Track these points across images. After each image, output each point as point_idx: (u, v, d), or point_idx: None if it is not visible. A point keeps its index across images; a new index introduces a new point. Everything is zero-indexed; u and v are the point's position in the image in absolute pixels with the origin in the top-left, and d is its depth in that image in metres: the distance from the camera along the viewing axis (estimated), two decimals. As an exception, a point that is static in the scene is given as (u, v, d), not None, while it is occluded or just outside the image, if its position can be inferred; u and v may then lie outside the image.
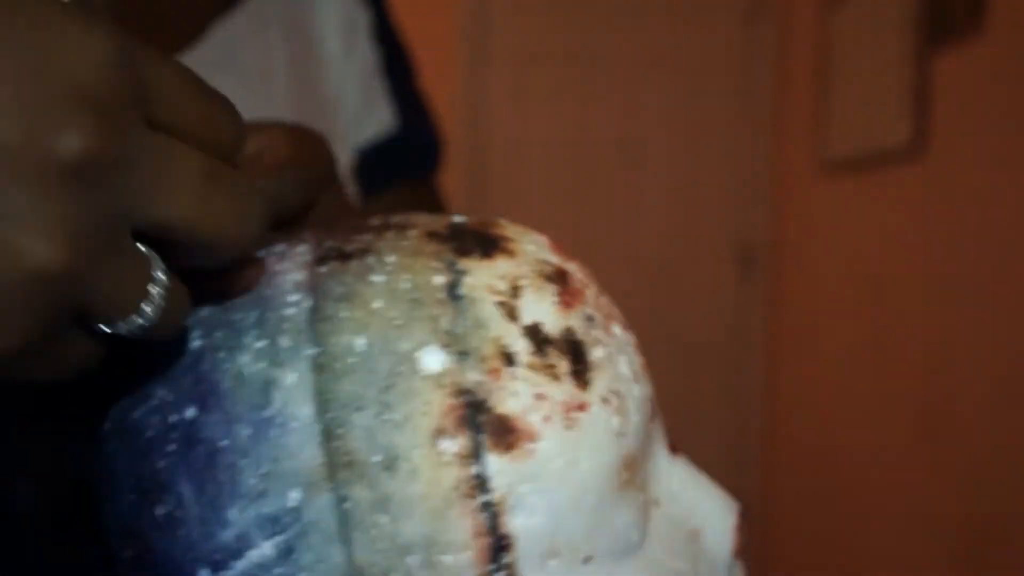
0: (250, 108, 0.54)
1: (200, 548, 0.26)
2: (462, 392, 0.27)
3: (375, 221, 0.32)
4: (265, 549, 0.26)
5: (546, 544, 0.28)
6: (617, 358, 0.30)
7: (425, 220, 0.31)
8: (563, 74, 2.85)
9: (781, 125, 2.80)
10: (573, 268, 0.32)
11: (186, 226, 0.23)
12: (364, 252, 0.29)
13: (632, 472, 0.30)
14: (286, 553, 0.26)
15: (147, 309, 0.23)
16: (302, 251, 0.30)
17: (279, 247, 0.31)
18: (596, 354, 0.30)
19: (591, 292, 0.31)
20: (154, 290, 0.23)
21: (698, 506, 0.34)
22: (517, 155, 2.86)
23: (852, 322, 2.33)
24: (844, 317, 2.37)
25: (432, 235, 0.30)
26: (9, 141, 0.20)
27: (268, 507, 0.26)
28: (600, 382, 0.29)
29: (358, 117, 0.61)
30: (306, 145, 0.36)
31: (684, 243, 2.87)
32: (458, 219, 0.32)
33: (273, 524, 0.26)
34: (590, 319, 0.30)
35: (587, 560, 0.29)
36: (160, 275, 0.23)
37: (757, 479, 2.81)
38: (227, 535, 0.26)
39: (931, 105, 1.97)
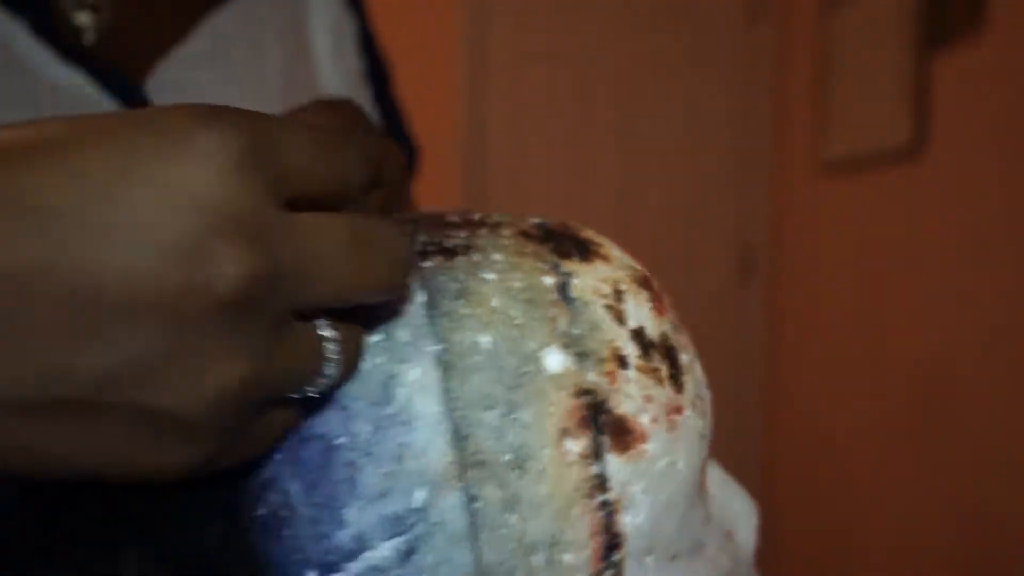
0: (239, 102, 0.54)
1: (309, 549, 0.25)
2: (583, 393, 0.28)
3: (452, 217, 0.31)
4: (384, 551, 0.25)
5: (646, 542, 0.29)
6: (695, 363, 0.31)
7: (508, 219, 0.32)
8: (563, 74, 2.85)
9: (781, 125, 2.80)
10: (654, 280, 0.33)
11: (345, 294, 0.23)
12: (467, 249, 0.29)
13: (704, 474, 0.31)
14: (406, 555, 0.26)
15: (328, 368, 0.24)
16: None
17: None
18: (684, 359, 0.31)
19: (668, 301, 0.32)
20: (329, 348, 0.24)
21: (730, 506, 0.35)
22: (517, 155, 2.86)
23: (852, 322, 2.33)
24: (844, 317, 2.37)
25: (526, 235, 0.30)
26: (168, 290, 0.20)
27: (391, 507, 0.26)
28: (690, 386, 0.30)
29: None
30: (361, 118, 0.36)
31: (684, 243, 2.87)
32: (537, 220, 0.32)
33: (395, 525, 0.25)
34: (675, 325, 0.31)
35: (674, 558, 0.30)
36: (329, 332, 0.24)
37: (757, 478, 2.81)
38: (343, 536, 0.25)
39: (931, 106, 1.97)
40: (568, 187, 2.86)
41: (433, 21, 2.73)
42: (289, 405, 0.24)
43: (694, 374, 0.31)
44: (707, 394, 0.32)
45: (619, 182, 2.87)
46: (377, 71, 0.64)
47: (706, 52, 2.86)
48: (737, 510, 0.35)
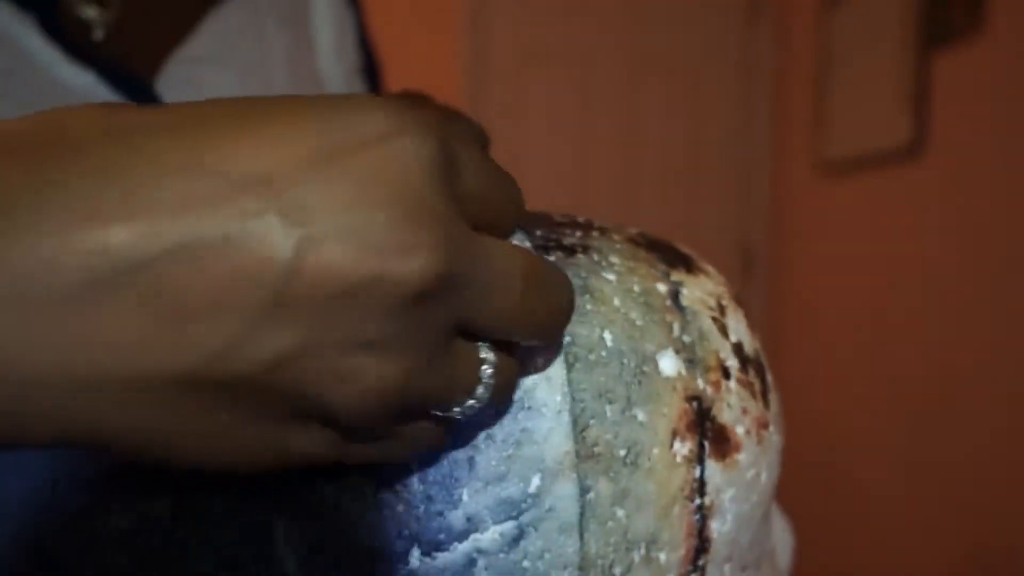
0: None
1: (420, 527, 0.26)
2: (693, 398, 0.28)
3: (558, 217, 0.32)
4: (494, 533, 0.26)
5: (727, 550, 0.29)
6: (774, 388, 0.32)
7: (610, 224, 0.33)
8: (563, 74, 2.85)
9: (781, 125, 2.80)
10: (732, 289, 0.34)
11: (511, 326, 0.23)
12: (585, 249, 0.30)
13: (772, 499, 0.32)
14: (515, 539, 0.26)
15: (480, 391, 0.23)
16: (516, 236, 0.29)
17: None
18: (769, 379, 0.32)
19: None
20: (487, 372, 0.23)
21: (772, 529, 0.35)
22: (517, 155, 2.86)
23: (852, 322, 2.33)
24: (844, 317, 2.37)
25: (635, 242, 0.32)
26: (356, 279, 0.20)
27: (506, 491, 0.26)
28: (774, 403, 0.32)
29: None
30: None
31: (684, 243, 2.86)
32: (633, 230, 0.33)
33: (508, 508, 0.26)
34: (761, 351, 0.32)
35: (744, 568, 0.31)
36: (490, 356, 0.23)
37: (757, 479, 2.81)
38: (455, 516, 0.26)
39: (930, 106, 1.97)
40: (568, 186, 2.86)
41: (433, 21, 2.73)
42: (435, 421, 0.24)
43: (776, 394, 0.32)
44: (782, 417, 0.32)
45: (619, 182, 2.87)
46: (372, 67, 0.65)
47: (706, 52, 2.85)
48: (777, 536, 0.36)
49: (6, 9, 0.46)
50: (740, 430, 0.29)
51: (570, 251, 0.29)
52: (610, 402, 0.27)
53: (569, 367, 0.27)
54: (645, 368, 0.28)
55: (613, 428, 0.27)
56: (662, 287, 0.30)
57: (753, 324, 0.33)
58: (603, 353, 0.27)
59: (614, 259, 0.30)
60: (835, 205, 2.44)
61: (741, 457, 0.29)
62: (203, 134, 0.19)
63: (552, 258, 0.29)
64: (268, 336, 0.19)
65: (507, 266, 0.22)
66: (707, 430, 0.28)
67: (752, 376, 0.30)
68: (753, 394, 0.30)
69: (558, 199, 2.84)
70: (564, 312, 0.24)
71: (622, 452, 0.27)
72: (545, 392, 0.26)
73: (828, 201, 2.48)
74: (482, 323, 0.23)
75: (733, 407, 0.29)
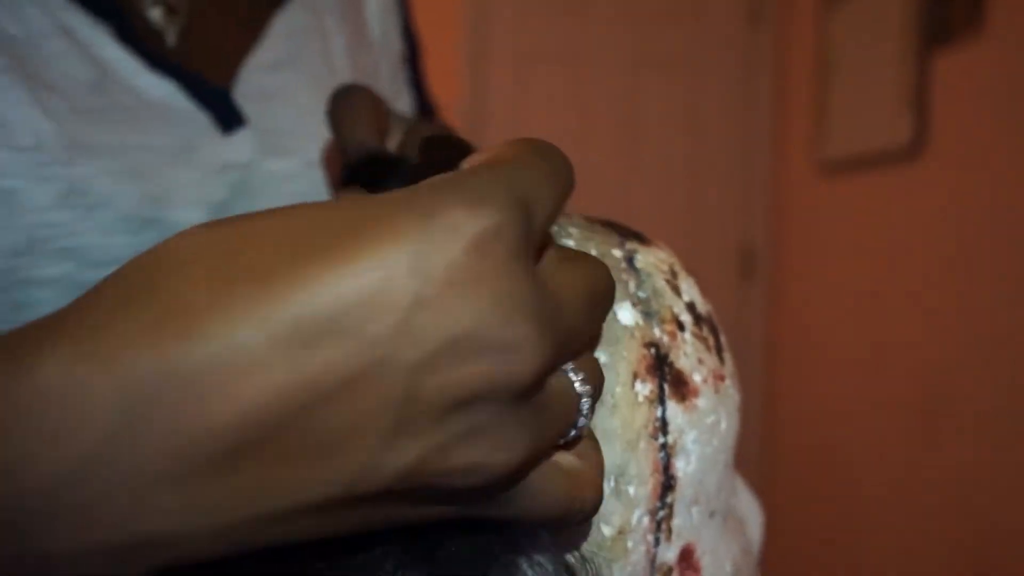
0: (321, 104, 0.54)
1: None
2: (651, 344, 0.31)
3: None
4: None
5: (692, 491, 0.31)
6: (728, 350, 0.34)
7: (574, 213, 0.35)
8: (563, 74, 2.85)
9: (781, 125, 2.80)
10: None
11: (590, 347, 0.26)
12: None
13: (735, 448, 0.35)
14: None
15: (582, 420, 0.25)
16: None
17: None
18: (723, 339, 0.34)
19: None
20: (585, 405, 0.25)
21: (739, 499, 0.37)
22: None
23: (852, 323, 2.33)
24: (844, 318, 2.37)
25: (593, 221, 0.34)
26: (470, 384, 0.21)
27: None
28: (728, 361, 0.34)
29: (390, 101, 0.63)
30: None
31: (684, 243, 2.87)
32: (595, 217, 0.36)
33: None
34: (713, 310, 0.35)
35: (712, 515, 0.32)
36: (583, 388, 0.24)
37: (756, 479, 2.81)
38: None
39: (931, 106, 1.97)
40: (568, 187, 2.86)
41: (433, 21, 2.73)
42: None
43: (730, 354, 0.34)
44: (738, 380, 0.35)
45: (619, 182, 2.87)
46: (414, 55, 0.65)
47: (706, 52, 2.85)
48: (746, 508, 0.37)
49: (83, 17, 0.46)
50: (697, 377, 0.31)
51: None
52: None
53: None
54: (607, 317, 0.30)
55: None
56: (617, 252, 0.33)
57: (705, 291, 0.35)
58: None
59: (573, 230, 0.33)
60: (835, 205, 2.44)
61: (700, 402, 0.31)
62: (308, 268, 0.20)
63: None
64: (397, 453, 0.20)
65: (578, 293, 0.24)
66: (666, 373, 0.31)
67: (706, 332, 0.33)
68: (708, 348, 0.32)
69: (558, 199, 2.83)
70: (601, 315, 0.26)
71: None
72: None
73: (828, 201, 2.48)
74: (572, 356, 0.24)
75: (689, 356, 0.32)
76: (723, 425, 0.32)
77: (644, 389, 0.30)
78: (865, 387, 2.24)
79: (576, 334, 0.23)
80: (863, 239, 2.28)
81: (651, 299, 0.32)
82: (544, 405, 0.23)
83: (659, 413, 0.30)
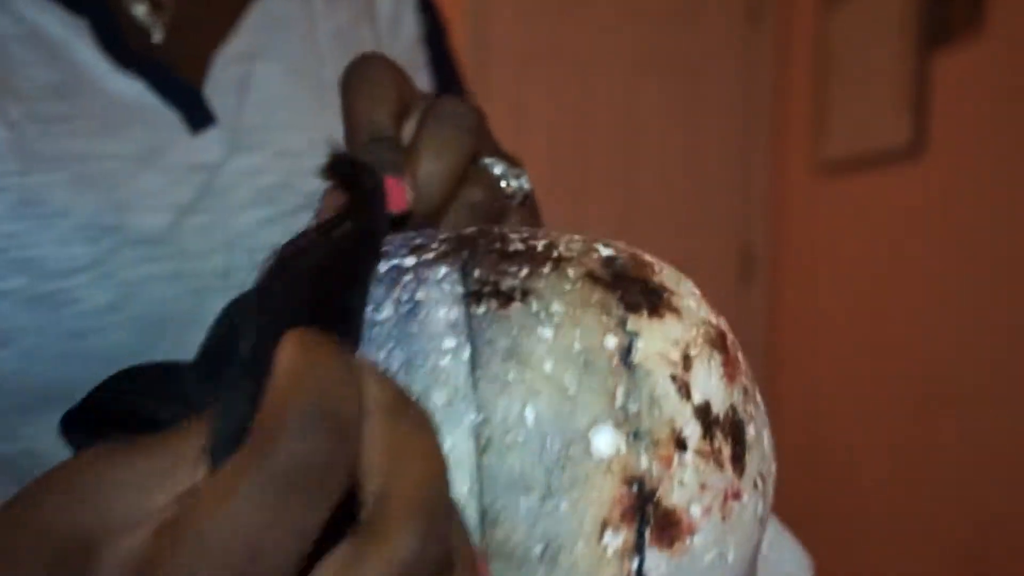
0: (298, 92, 0.53)
1: None
2: (633, 480, 0.25)
3: (515, 242, 0.28)
4: None
5: None
6: (762, 433, 0.28)
7: (576, 250, 0.28)
8: (563, 74, 2.85)
9: (781, 125, 2.80)
10: (724, 325, 0.30)
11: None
12: (525, 294, 0.26)
13: (757, 553, 0.29)
14: None
15: None
16: (446, 275, 0.26)
17: (415, 239, 0.28)
18: (751, 433, 0.28)
19: (741, 356, 0.30)
20: None
21: (782, 566, 0.33)
22: (516, 154, 2.86)
23: (852, 322, 2.33)
24: (844, 317, 2.37)
25: (594, 279, 0.27)
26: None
27: None
28: (752, 465, 0.27)
29: None
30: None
31: (684, 243, 2.87)
32: (606, 251, 0.29)
33: None
34: (746, 391, 0.28)
35: None
36: None
37: (757, 479, 2.81)
38: None
39: (930, 106, 1.97)
40: (568, 187, 2.86)
41: (433, 21, 2.73)
42: None
43: (760, 449, 0.28)
44: (772, 469, 0.29)
45: (619, 182, 2.87)
46: (434, 33, 0.64)
47: (706, 52, 2.85)
48: (790, 571, 0.33)
49: (57, 16, 0.45)
50: (696, 509, 0.25)
51: (506, 299, 0.26)
52: (526, 491, 0.24)
53: (481, 451, 0.24)
54: (572, 450, 0.24)
55: (527, 521, 0.24)
56: (611, 341, 0.26)
57: (736, 369, 0.28)
58: (522, 434, 0.24)
59: (556, 307, 0.26)
60: (835, 205, 2.44)
61: (696, 539, 0.25)
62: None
63: (483, 308, 0.25)
64: None
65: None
66: (648, 516, 0.25)
67: (720, 441, 0.26)
68: (719, 463, 0.26)
69: (558, 199, 2.83)
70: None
71: (537, 549, 0.24)
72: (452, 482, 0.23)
73: (828, 201, 2.48)
74: None
75: (687, 484, 0.25)
76: (731, 556, 0.26)
77: (616, 540, 0.24)
78: (865, 386, 2.24)
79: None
80: (863, 239, 2.28)
81: (643, 413, 0.25)
82: None
83: (634, 567, 0.25)
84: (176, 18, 0.50)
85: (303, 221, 0.50)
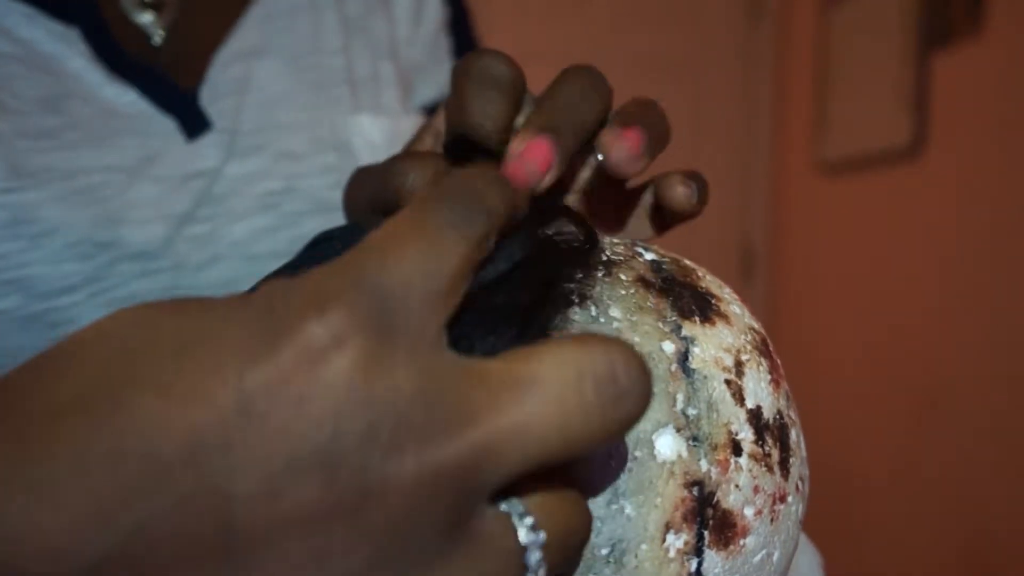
0: (299, 88, 0.52)
1: None
2: (694, 483, 0.25)
3: (563, 235, 0.28)
4: None
5: None
6: (800, 438, 0.29)
7: (622, 254, 0.28)
8: (563, 74, 2.85)
9: (781, 125, 2.80)
10: (763, 332, 0.30)
11: (565, 447, 0.20)
12: (583, 299, 0.26)
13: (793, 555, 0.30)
14: None
15: None
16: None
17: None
18: (793, 437, 0.29)
19: (779, 361, 0.30)
20: (534, 558, 0.20)
21: (798, 569, 0.33)
22: (517, 155, 2.86)
23: (852, 322, 2.33)
24: (844, 317, 2.37)
25: (646, 283, 0.28)
26: (310, 500, 0.18)
27: None
28: (794, 468, 0.28)
29: (425, 74, 0.59)
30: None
31: (684, 243, 2.85)
32: (649, 255, 0.29)
33: None
34: (788, 397, 0.29)
35: None
36: (531, 537, 0.20)
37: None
38: None
39: (930, 106, 1.97)
40: (568, 187, 2.87)
41: (433, 21, 2.73)
42: None
43: (800, 453, 0.29)
44: (807, 471, 0.29)
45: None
46: (460, 19, 0.62)
47: (706, 52, 2.85)
48: (804, 572, 0.34)
49: (48, 28, 0.44)
50: (749, 512, 0.26)
51: (566, 302, 0.26)
52: (592, 496, 0.25)
53: None
54: (638, 453, 0.25)
55: (595, 524, 0.24)
56: (669, 346, 0.26)
57: (779, 375, 0.29)
58: None
59: (615, 313, 0.26)
60: (835, 205, 2.44)
61: (749, 540, 0.26)
62: (131, 399, 0.18)
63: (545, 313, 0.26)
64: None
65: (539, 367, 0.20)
66: (708, 518, 0.26)
67: (770, 445, 0.27)
68: (769, 467, 0.27)
69: (558, 199, 2.83)
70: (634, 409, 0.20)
71: (604, 551, 0.24)
72: None
73: (828, 201, 2.48)
74: (511, 470, 0.19)
75: (742, 487, 0.26)
76: (776, 556, 0.27)
77: (677, 542, 0.25)
78: (865, 386, 2.24)
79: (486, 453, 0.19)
80: (863, 239, 2.28)
81: (703, 418, 0.26)
82: (455, 554, 0.19)
83: (693, 567, 0.25)
84: (177, 19, 0.49)
85: (307, 226, 0.50)
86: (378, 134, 0.54)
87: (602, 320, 0.26)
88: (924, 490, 1.97)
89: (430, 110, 0.59)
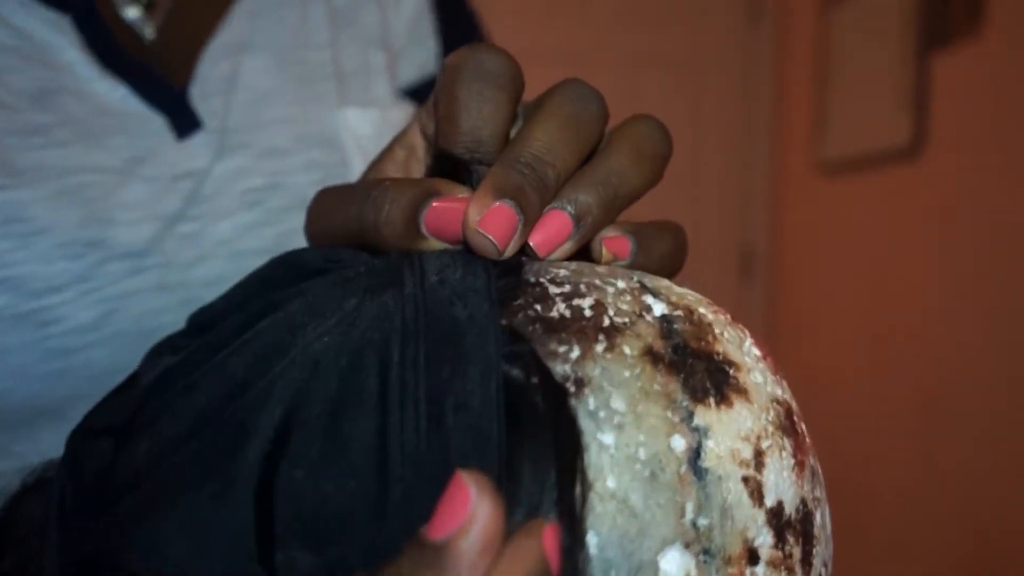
0: (284, 84, 0.52)
1: None
2: None
3: (559, 304, 0.25)
4: None
5: None
6: (825, 515, 0.27)
7: (628, 311, 0.25)
8: (563, 74, 2.84)
9: (781, 125, 2.80)
10: (787, 393, 0.27)
11: None
12: (580, 385, 0.23)
13: None
14: None
15: None
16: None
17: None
18: (817, 522, 0.26)
19: (803, 426, 0.27)
20: None
21: None
22: (517, 155, 2.86)
23: (852, 322, 2.33)
24: (844, 317, 2.37)
25: (654, 358, 0.24)
26: None
27: None
28: (817, 559, 0.26)
29: (406, 54, 0.59)
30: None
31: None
32: (658, 307, 0.26)
33: None
34: (813, 474, 0.26)
35: None
36: None
37: (756, 479, 2.81)
38: None
39: (930, 106, 1.97)
40: (568, 187, 2.86)
41: (433, 21, 2.73)
42: None
43: (824, 535, 0.26)
44: (831, 551, 0.27)
45: (619, 182, 2.87)
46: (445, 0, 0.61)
47: (706, 52, 2.85)
48: None
49: (43, 14, 0.44)
50: None
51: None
52: None
53: None
54: None
55: None
56: (679, 443, 0.23)
57: (804, 453, 0.26)
58: (583, 563, 0.22)
59: (618, 405, 0.23)
60: (835, 205, 2.44)
61: None
62: None
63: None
64: None
65: None
66: None
67: (791, 544, 0.24)
68: (790, 568, 0.24)
69: (558, 199, 2.83)
70: None
71: None
72: None
73: (828, 201, 2.48)
74: None
75: None
76: None
77: None
78: (865, 386, 2.24)
79: None
80: (863, 239, 2.28)
81: (715, 528, 0.23)
82: None
83: None
84: (169, 15, 0.49)
85: (292, 222, 0.49)
86: (367, 126, 0.54)
87: (601, 416, 0.23)
88: (924, 490, 1.97)
89: (410, 93, 0.58)
